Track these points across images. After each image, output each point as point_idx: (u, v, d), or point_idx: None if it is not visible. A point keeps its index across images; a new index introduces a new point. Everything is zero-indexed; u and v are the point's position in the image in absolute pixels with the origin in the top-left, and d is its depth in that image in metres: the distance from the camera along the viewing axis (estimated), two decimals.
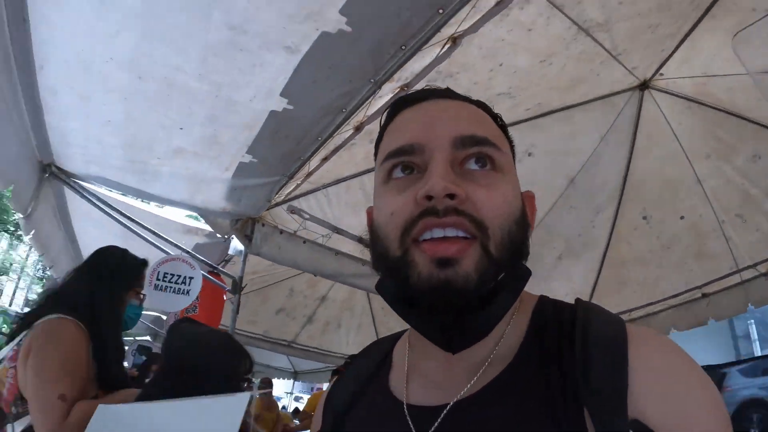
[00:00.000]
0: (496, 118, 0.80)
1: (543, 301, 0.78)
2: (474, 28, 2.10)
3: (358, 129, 2.55)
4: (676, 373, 0.61)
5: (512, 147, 0.81)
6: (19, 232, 28.79)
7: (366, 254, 3.65)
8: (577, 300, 0.76)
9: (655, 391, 0.59)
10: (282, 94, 2.16)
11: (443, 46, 2.14)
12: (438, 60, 2.18)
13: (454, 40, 2.13)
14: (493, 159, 0.69)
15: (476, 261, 0.63)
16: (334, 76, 2.13)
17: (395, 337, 0.93)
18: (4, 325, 16.86)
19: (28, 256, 40.39)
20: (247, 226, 3.22)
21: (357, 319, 6.60)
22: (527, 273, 0.74)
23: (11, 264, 39.18)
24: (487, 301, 0.66)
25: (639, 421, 0.58)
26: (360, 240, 3.66)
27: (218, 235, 3.57)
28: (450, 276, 0.62)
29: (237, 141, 2.50)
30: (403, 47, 2.00)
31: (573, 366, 0.63)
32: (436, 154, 0.67)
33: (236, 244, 3.29)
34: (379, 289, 0.75)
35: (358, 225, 3.65)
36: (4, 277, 39.44)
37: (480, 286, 0.63)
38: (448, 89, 0.80)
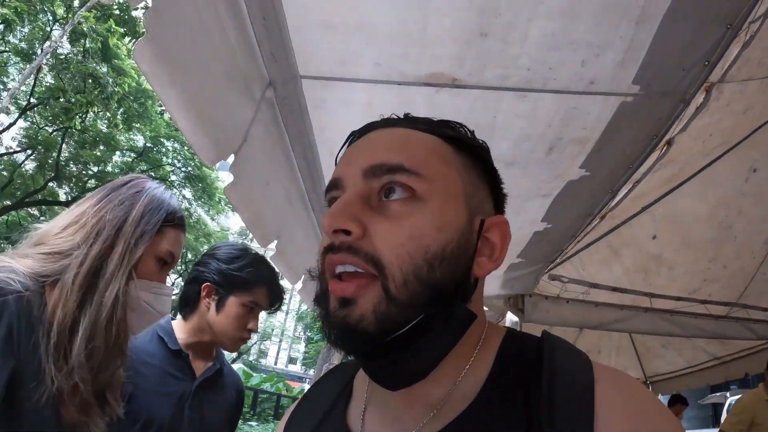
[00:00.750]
0: (459, 139, 0.74)
1: (509, 335, 0.74)
2: (683, 129, 2.60)
3: (603, 217, 3.15)
4: (643, 416, 0.59)
5: (488, 169, 0.77)
6: None
7: (624, 299, 4.13)
8: (544, 333, 0.73)
9: None
10: (542, 220, 2.85)
11: (661, 150, 2.67)
12: (657, 160, 2.71)
13: (669, 143, 2.65)
14: (410, 187, 0.65)
15: (374, 302, 0.61)
16: (576, 204, 2.77)
17: (357, 365, 0.86)
18: (285, 389, 19.47)
19: (285, 320, 46.38)
20: (518, 301, 3.92)
21: (615, 342, 6.85)
22: (465, 315, 0.67)
23: (273, 329, 45.25)
24: (406, 345, 0.63)
25: None
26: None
27: (492, 312, 4.32)
28: (346, 316, 0.61)
29: (509, 252, 3.28)
30: (630, 167, 2.58)
31: (539, 407, 0.60)
32: (348, 189, 0.67)
33: (511, 317, 3.97)
34: None
35: (611, 276, 4.15)
36: (267, 342, 45.95)
37: (380, 328, 0.61)
38: (403, 117, 0.77)
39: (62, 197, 23.72)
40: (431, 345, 0.64)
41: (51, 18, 18.22)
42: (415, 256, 0.61)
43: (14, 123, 20.77)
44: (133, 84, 18.00)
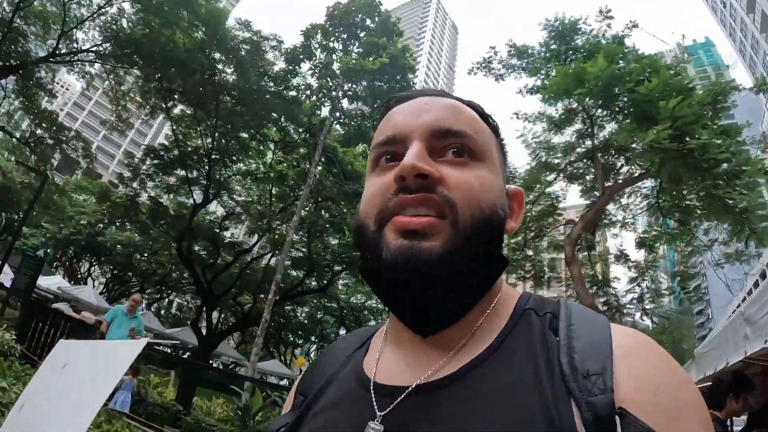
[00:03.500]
0: (486, 117, 0.87)
1: (525, 294, 0.83)
2: None
3: None
4: (658, 363, 0.65)
5: (503, 147, 0.89)
6: None
7: None
8: (560, 299, 0.80)
9: (638, 380, 0.62)
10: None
11: None
12: None
13: None
14: (469, 148, 0.77)
15: (444, 237, 0.70)
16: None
17: (376, 327, 0.97)
18: None
19: None
20: None
21: None
22: (503, 261, 0.80)
23: None
24: (456, 281, 0.72)
25: (624, 410, 0.59)
26: None
27: None
28: (415, 246, 0.69)
29: None
30: None
31: (557, 353, 0.67)
32: (414, 142, 0.76)
33: None
34: (361, 271, 0.80)
35: None
36: None
37: (446, 260, 0.69)
38: (440, 90, 0.87)
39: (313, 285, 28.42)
40: (472, 282, 0.75)
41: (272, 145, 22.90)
42: (480, 203, 0.74)
43: (260, 238, 25.71)
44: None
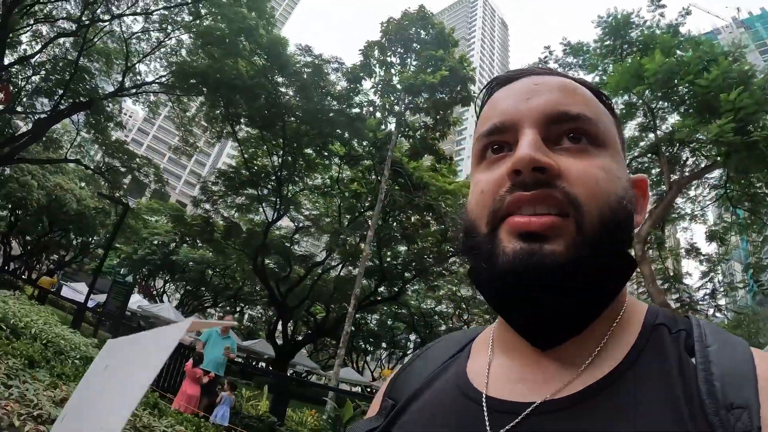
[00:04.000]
0: (600, 95, 0.77)
1: (653, 309, 0.74)
2: None
3: None
4: None
5: (621, 129, 0.78)
6: None
7: None
8: (689, 315, 0.73)
9: None
10: None
11: None
12: None
13: None
14: (590, 134, 0.69)
15: (567, 240, 0.62)
16: None
17: (475, 331, 0.90)
18: None
19: None
20: None
21: None
22: (632, 264, 0.69)
23: None
24: (580, 288, 0.64)
25: None
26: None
27: None
28: (536, 251, 0.61)
29: None
30: None
31: (695, 379, 0.60)
32: (526, 129, 0.68)
33: None
34: (473, 278, 0.73)
35: None
36: None
37: (570, 267, 0.61)
38: (547, 68, 0.79)
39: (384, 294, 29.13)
40: (598, 290, 0.66)
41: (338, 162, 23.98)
42: (608, 197, 0.65)
43: (332, 252, 26.60)
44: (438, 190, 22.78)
